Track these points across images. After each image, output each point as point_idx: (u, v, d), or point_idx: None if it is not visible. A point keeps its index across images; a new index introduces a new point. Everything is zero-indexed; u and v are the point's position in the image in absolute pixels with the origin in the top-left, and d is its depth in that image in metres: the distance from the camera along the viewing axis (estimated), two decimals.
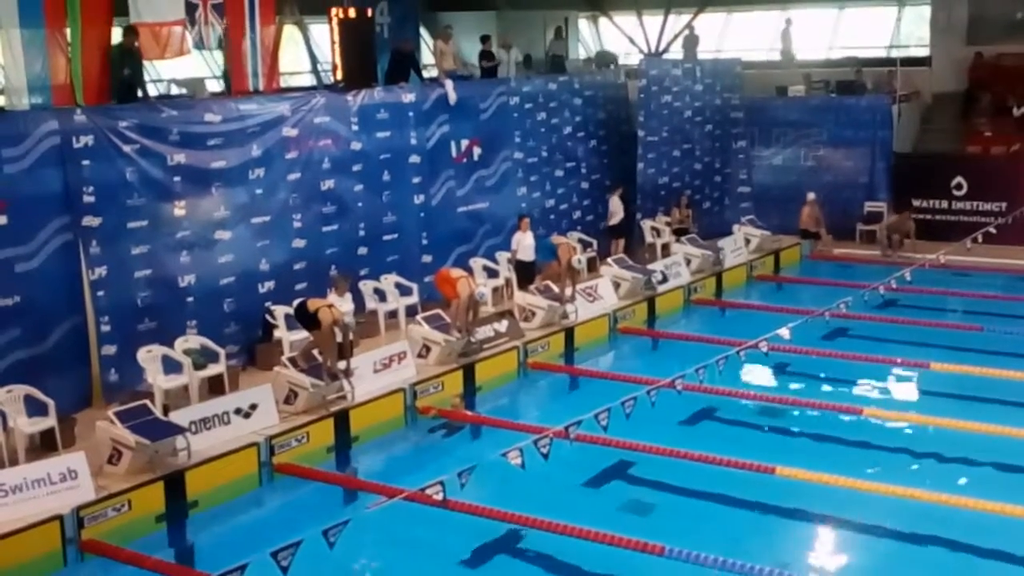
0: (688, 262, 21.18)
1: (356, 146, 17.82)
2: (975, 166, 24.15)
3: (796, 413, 14.49)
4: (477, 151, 20.21)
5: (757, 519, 11.48)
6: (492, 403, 15.39)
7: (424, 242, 19.11)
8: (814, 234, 23.55)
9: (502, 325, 17.06)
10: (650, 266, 20.51)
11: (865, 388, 15.43)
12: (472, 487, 9.30)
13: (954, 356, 15.84)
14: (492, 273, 19.49)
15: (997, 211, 22.60)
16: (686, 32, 26.71)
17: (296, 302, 14.94)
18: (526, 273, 18.99)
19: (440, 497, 9.02)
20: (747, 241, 22.86)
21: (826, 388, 15.59)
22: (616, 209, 22.18)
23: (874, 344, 16.83)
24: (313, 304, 14.35)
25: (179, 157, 15.17)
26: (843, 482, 11.68)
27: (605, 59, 25.55)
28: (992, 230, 18.55)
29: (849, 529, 11.34)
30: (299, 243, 16.92)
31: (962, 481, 11.99)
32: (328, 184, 17.37)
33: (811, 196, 23.57)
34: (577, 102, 22.78)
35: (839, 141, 24.80)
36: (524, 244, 19.08)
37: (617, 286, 19.45)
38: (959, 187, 23.93)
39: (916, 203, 23.97)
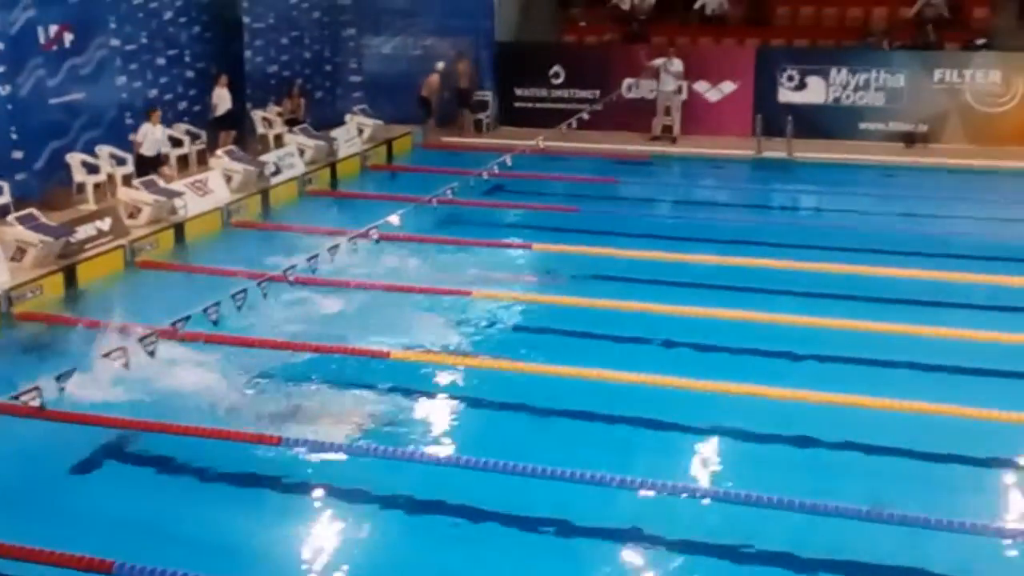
0: (302, 153, 21.01)
1: None
2: (571, 55, 25.43)
3: (406, 298, 14.71)
4: (69, 37, 18.82)
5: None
6: (97, 305, 14.62)
7: (14, 137, 17.71)
8: (430, 106, 23.87)
9: (105, 223, 16.24)
10: (262, 157, 20.21)
11: (473, 271, 16.06)
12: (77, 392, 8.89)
13: (555, 237, 16.80)
14: (92, 169, 18.45)
15: (591, 98, 23.95)
16: None
17: None
18: (147, 168, 18.12)
19: (37, 404, 8.55)
20: (360, 131, 22.94)
21: (439, 273, 16.08)
22: (221, 100, 21.38)
23: (483, 229, 17.52)
24: None
25: None
26: (451, 360, 12.19)
27: None
28: (585, 116, 19.69)
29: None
30: None
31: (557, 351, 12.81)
32: None
33: (440, 65, 24.04)
34: None
35: (444, 31, 25.22)
36: (152, 138, 18.22)
37: (229, 179, 19.00)
38: (557, 76, 25.12)
39: (518, 92, 25.02)
